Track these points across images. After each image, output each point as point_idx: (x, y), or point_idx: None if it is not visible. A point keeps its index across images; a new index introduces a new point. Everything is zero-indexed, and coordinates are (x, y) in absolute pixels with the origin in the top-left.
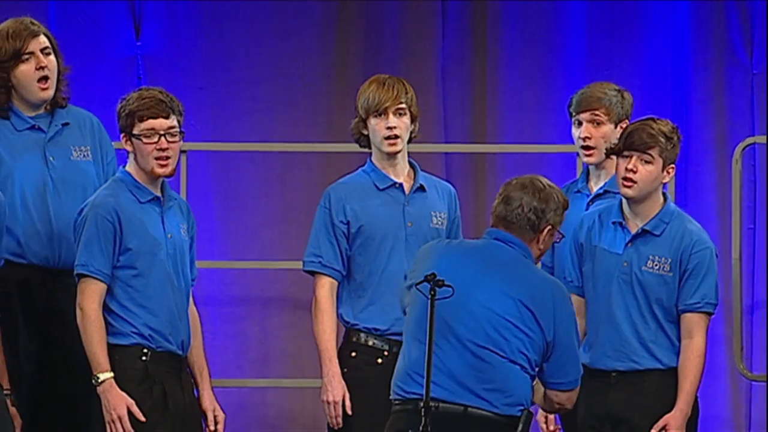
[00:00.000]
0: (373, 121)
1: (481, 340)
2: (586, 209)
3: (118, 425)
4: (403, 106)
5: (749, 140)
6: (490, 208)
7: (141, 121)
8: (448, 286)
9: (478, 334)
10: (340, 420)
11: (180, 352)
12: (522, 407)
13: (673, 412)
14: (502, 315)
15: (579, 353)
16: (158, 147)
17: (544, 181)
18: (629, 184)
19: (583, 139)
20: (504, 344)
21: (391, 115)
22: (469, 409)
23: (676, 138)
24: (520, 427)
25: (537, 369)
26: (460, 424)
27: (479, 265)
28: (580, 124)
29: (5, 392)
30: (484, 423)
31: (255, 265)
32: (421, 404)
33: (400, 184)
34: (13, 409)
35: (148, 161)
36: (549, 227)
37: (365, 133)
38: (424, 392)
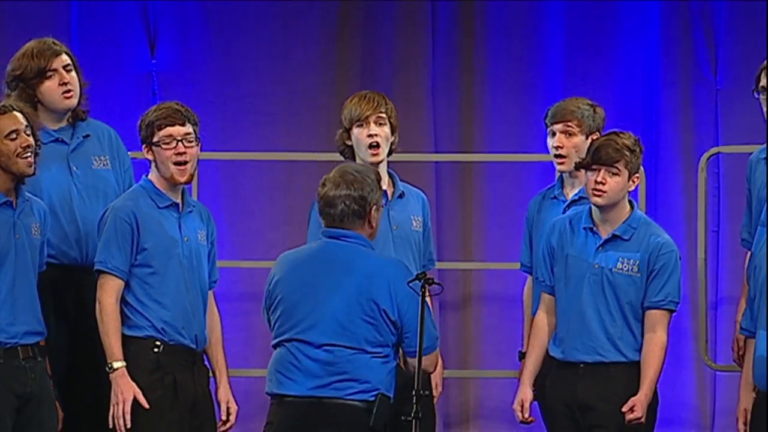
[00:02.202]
0: (356, 131)
1: (329, 339)
2: (564, 214)
3: (121, 407)
4: (383, 115)
5: (713, 150)
6: (477, 212)
7: (159, 129)
8: (438, 284)
9: (325, 334)
10: None
11: (193, 346)
12: (377, 392)
13: (638, 395)
14: (345, 311)
15: (432, 323)
16: (176, 152)
17: (351, 168)
18: (599, 193)
19: (556, 148)
20: (351, 337)
21: (372, 124)
22: (324, 399)
23: (638, 150)
24: (374, 410)
25: (395, 346)
26: (318, 413)
27: (319, 268)
28: (554, 134)
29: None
30: (339, 410)
31: (261, 265)
32: (286, 399)
33: (384, 191)
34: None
35: (168, 168)
36: (373, 206)
37: (349, 143)
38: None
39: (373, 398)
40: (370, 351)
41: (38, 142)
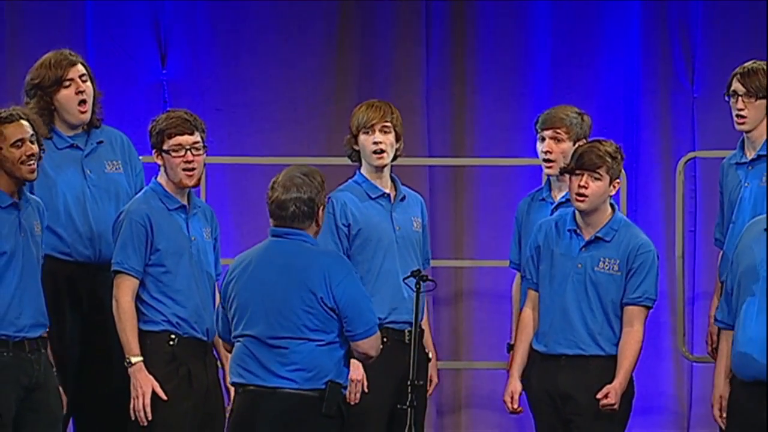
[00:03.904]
0: (362, 137)
1: (275, 331)
2: (551, 215)
3: (141, 400)
4: (389, 124)
5: (690, 155)
6: (468, 213)
7: (169, 138)
8: (432, 280)
9: (272, 327)
10: (359, 396)
11: (205, 339)
12: (327, 380)
13: (613, 383)
14: (287, 303)
15: (371, 307)
16: (185, 160)
17: (299, 172)
18: (582, 198)
19: (545, 153)
20: (292, 327)
21: (377, 132)
22: (278, 390)
23: (619, 157)
24: (326, 397)
25: (341, 333)
26: (271, 402)
27: (264, 266)
28: (543, 139)
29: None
30: (292, 399)
31: None
32: (246, 388)
33: (388, 194)
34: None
35: (176, 173)
36: (321, 207)
37: (356, 148)
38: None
39: (323, 386)
40: (314, 339)
41: (42, 148)
